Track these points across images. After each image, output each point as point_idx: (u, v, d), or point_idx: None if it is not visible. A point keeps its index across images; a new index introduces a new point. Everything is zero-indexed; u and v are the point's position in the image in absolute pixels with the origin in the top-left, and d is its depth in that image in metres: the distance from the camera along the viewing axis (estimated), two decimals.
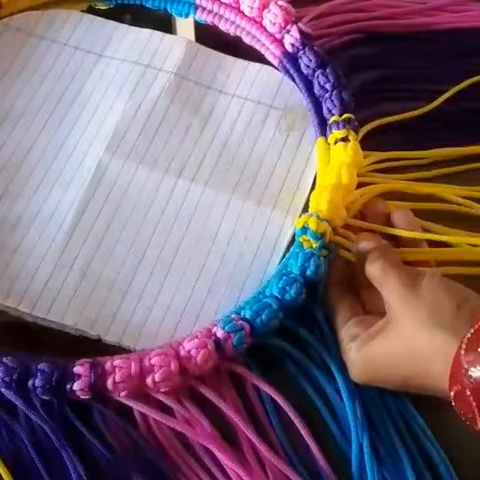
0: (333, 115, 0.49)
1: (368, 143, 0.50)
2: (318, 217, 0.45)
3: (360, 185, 0.48)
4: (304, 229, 0.45)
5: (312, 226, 0.44)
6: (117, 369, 0.40)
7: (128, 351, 0.43)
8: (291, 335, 0.44)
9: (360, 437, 0.40)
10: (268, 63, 0.55)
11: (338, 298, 0.44)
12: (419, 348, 0.38)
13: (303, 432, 0.40)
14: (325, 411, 0.42)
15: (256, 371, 0.43)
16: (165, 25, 0.57)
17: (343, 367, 0.42)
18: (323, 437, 0.41)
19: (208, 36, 0.57)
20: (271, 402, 0.42)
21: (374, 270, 0.42)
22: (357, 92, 0.53)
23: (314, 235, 0.44)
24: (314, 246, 0.44)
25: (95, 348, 0.43)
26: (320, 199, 0.46)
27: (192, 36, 0.57)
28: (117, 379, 0.40)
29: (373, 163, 0.50)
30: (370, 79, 0.55)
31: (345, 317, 0.43)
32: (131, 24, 0.56)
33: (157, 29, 0.56)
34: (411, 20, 0.58)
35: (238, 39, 0.56)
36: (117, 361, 0.40)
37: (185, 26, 0.57)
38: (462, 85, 0.54)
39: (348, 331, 0.42)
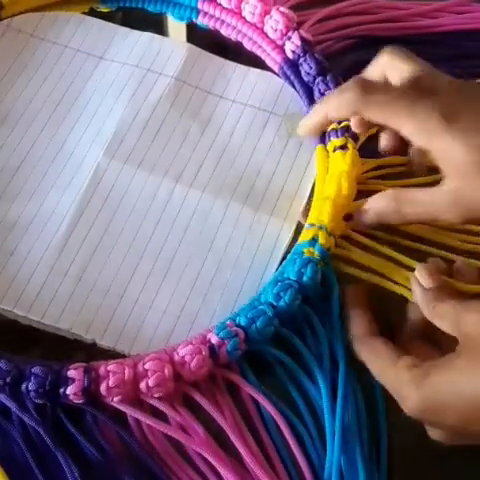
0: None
1: (368, 149, 0.50)
2: (326, 230, 0.45)
3: (359, 192, 0.48)
4: (313, 242, 0.44)
5: (321, 240, 0.44)
6: (111, 374, 0.40)
7: (123, 356, 0.43)
8: (286, 342, 0.43)
9: (335, 455, 0.40)
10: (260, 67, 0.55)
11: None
12: None
13: (291, 443, 0.40)
14: (310, 421, 0.42)
15: (251, 377, 0.42)
16: (157, 25, 0.58)
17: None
18: (307, 446, 0.41)
19: (199, 37, 0.57)
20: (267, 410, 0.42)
21: (448, 309, 0.40)
22: None
23: (321, 249, 0.44)
24: (316, 257, 0.44)
25: (90, 352, 0.43)
26: (324, 210, 0.46)
27: (184, 37, 0.57)
28: (111, 384, 0.40)
29: (372, 169, 0.50)
30: None
31: (394, 356, 0.40)
32: (123, 24, 0.56)
33: (149, 29, 0.56)
34: (413, 22, 0.58)
35: (228, 41, 0.56)
36: (111, 366, 0.40)
37: (178, 27, 0.58)
38: None
39: (403, 363, 0.39)
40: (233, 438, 0.40)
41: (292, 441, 0.40)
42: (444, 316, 0.41)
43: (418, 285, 0.42)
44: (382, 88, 0.43)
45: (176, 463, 0.40)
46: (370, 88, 0.43)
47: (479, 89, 0.44)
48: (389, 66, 0.45)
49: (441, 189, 0.42)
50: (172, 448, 0.40)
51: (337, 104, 0.44)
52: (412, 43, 0.56)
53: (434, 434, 0.40)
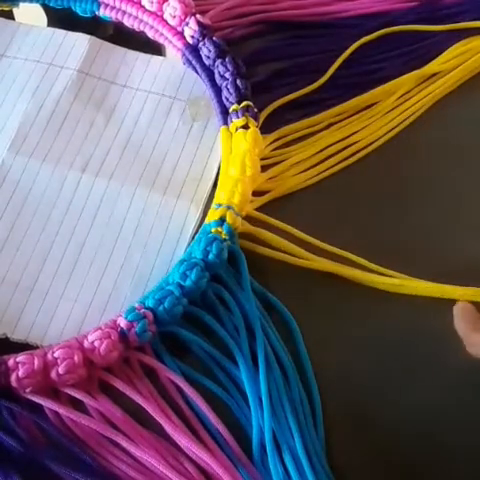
0: (232, 103, 0.50)
1: (276, 127, 0.51)
2: (234, 210, 0.45)
3: (266, 167, 0.49)
4: (220, 221, 0.45)
5: (229, 220, 0.45)
6: (20, 365, 0.40)
7: (36, 348, 0.43)
8: (202, 321, 0.44)
9: (261, 424, 0.41)
10: None
11: None
12: None
13: (210, 415, 0.41)
14: (234, 393, 0.42)
15: (167, 358, 0.43)
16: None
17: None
18: (232, 420, 0.42)
19: None
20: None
21: None
22: (263, 81, 0.54)
23: (229, 229, 0.45)
24: (224, 237, 0.45)
25: (2, 347, 0.43)
26: (230, 190, 0.46)
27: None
28: (20, 375, 0.40)
29: (273, 142, 0.50)
30: (276, 69, 0.55)
31: None
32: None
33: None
34: (314, 9, 0.59)
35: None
36: (20, 357, 0.40)
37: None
38: (348, 52, 0.55)
39: None
40: (153, 413, 0.41)
41: (209, 412, 0.41)
42: None
43: None
44: None
45: (98, 444, 0.40)
46: None
47: None
48: None
49: None
50: (92, 430, 0.40)
51: None
52: (314, 29, 0.58)
53: None
